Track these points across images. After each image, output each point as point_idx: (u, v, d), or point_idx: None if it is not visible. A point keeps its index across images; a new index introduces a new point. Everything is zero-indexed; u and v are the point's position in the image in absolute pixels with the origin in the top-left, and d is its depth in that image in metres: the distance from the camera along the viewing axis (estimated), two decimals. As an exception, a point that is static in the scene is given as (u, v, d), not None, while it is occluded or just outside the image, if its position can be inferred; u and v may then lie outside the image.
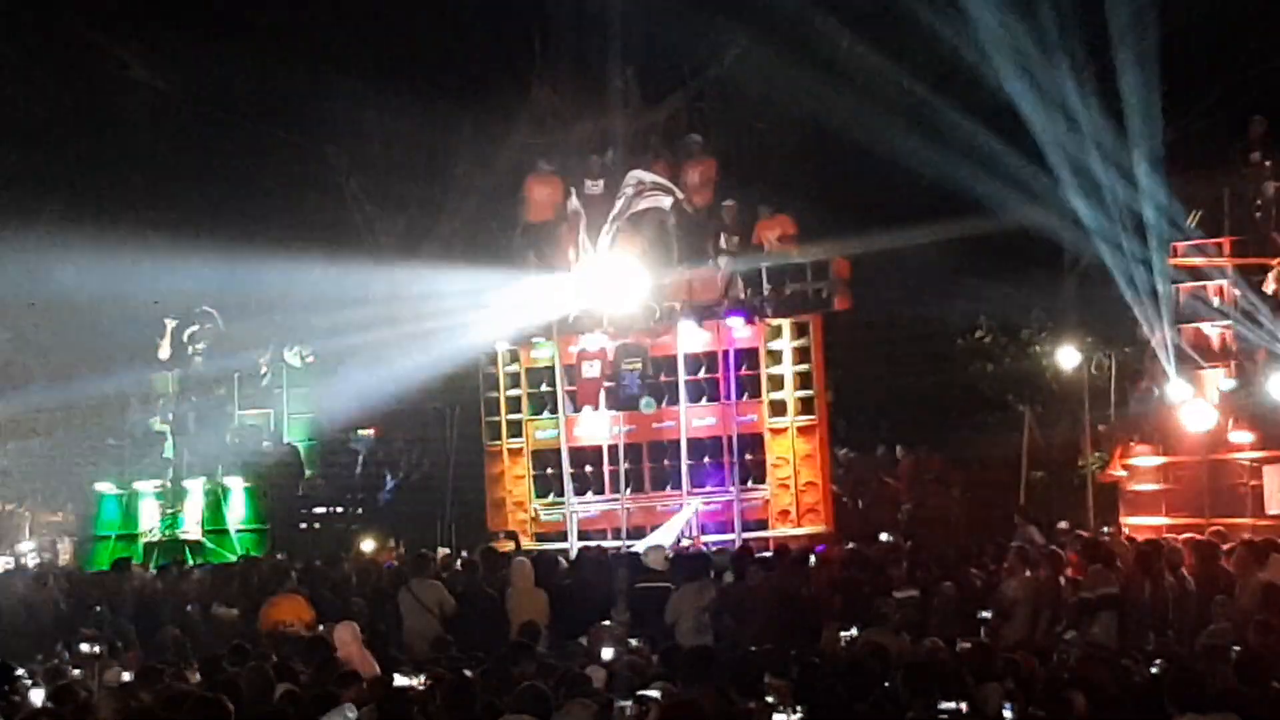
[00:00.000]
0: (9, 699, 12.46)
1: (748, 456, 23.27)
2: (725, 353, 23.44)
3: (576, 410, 24.16)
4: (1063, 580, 15.71)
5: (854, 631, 14.51)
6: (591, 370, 24.08)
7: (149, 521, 24.64)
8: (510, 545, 21.57)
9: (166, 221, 26.54)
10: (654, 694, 10.70)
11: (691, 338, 23.71)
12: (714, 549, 20.54)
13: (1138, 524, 20.67)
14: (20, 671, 13.72)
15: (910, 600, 15.58)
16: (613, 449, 23.88)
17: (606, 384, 23.95)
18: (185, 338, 25.62)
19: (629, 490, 23.65)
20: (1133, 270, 21.52)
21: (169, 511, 24.63)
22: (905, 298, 25.93)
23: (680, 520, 22.69)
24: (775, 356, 23.39)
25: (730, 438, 23.23)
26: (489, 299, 23.93)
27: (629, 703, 10.81)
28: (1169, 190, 21.77)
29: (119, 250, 25.29)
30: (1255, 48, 26.25)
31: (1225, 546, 16.29)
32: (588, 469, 24.08)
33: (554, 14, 28.68)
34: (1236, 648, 12.16)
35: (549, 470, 24.27)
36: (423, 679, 12.25)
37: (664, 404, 23.71)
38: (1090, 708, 10.17)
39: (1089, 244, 22.83)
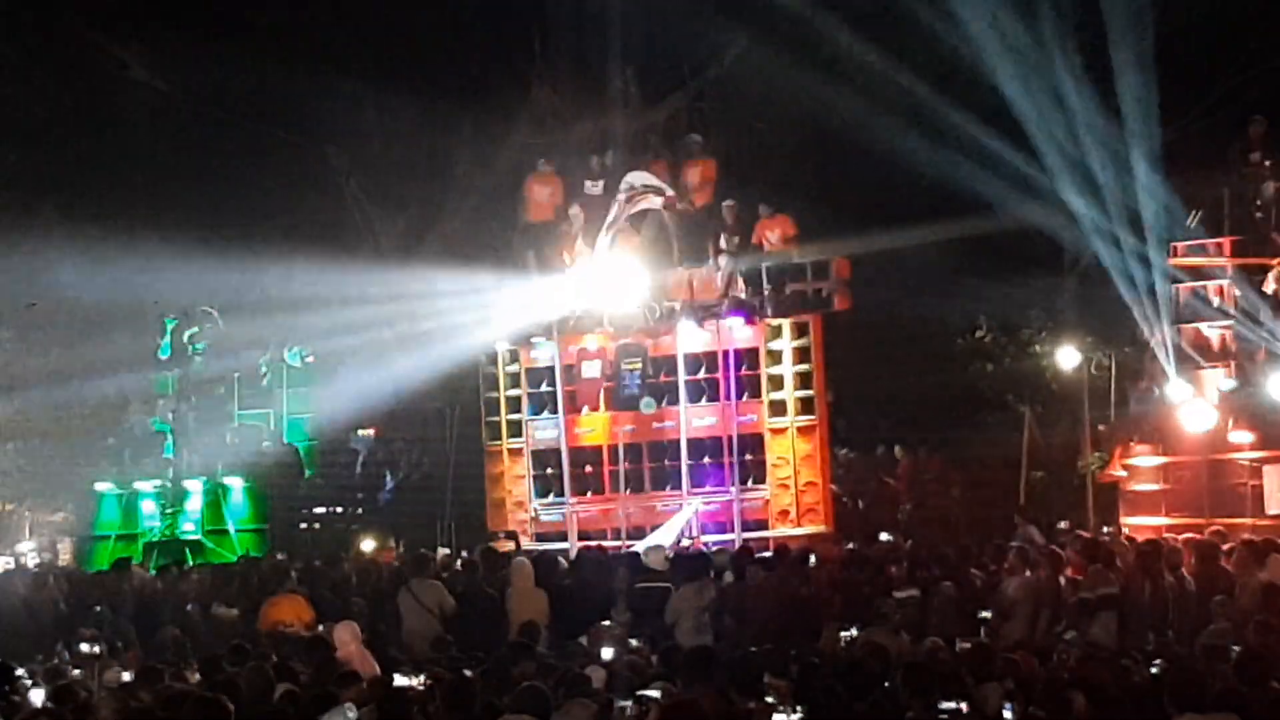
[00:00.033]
0: (9, 699, 12.46)
1: (748, 456, 23.26)
2: (725, 353, 23.42)
3: (576, 410, 24.16)
4: (1063, 580, 15.70)
5: (854, 631, 14.52)
6: (591, 370, 24.09)
7: (149, 521, 24.66)
8: (510, 545, 21.58)
9: (166, 221, 26.53)
10: (654, 694, 10.71)
11: (691, 338, 23.70)
12: (714, 549, 20.53)
13: (1138, 524, 20.67)
14: (20, 671, 13.73)
15: (910, 600, 15.58)
16: (613, 449, 23.89)
17: (606, 384, 23.96)
18: (185, 338, 25.63)
19: (629, 490, 23.65)
20: (1132, 270, 21.52)
21: (169, 511, 24.65)
22: (905, 298, 25.91)
23: (680, 520, 22.68)
24: (775, 356, 23.38)
25: (730, 438, 23.22)
26: (489, 299, 23.92)
27: (629, 703, 10.83)
28: (1169, 190, 21.78)
29: (119, 250, 25.31)
30: (1255, 48, 26.27)
31: (1225, 546, 16.30)
32: (588, 469, 24.08)
33: (554, 14, 28.69)
34: (1236, 648, 12.15)
35: (549, 470, 24.26)
36: (423, 679, 12.26)
37: (664, 404, 23.71)
38: (1090, 708, 10.17)
39: (1089, 244, 22.84)
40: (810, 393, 23.21)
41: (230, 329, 25.86)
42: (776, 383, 23.29)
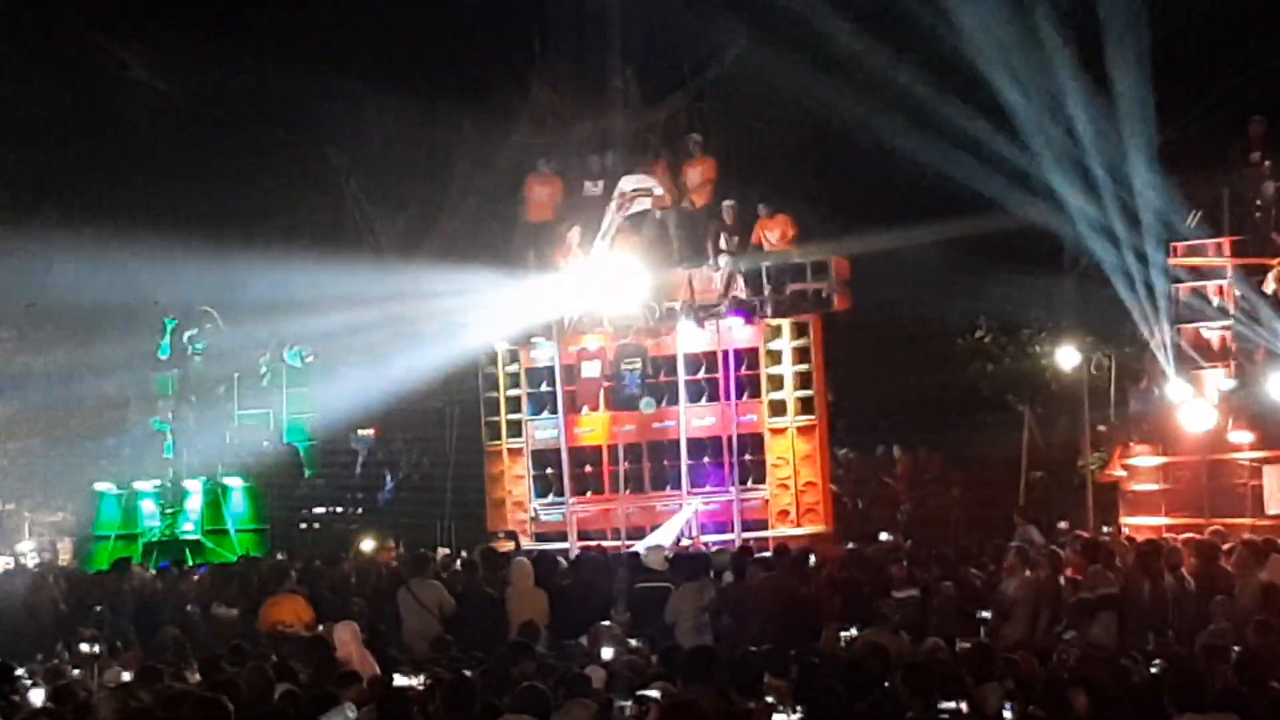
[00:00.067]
0: (9, 699, 12.47)
1: (747, 456, 23.27)
2: (725, 353, 23.43)
3: (576, 410, 24.16)
4: (1062, 580, 15.70)
5: (854, 631, 14.52)
6: (591, 370, 24.09)
7: (149, 521, 24.67)
8: (510, 545, 21.58)
9: (166, 221, 26.52)
10: (654, 694, 10.70)
11: (691, 338, 23.71)
12: (714, 549, 20.53)
13: (1138, 524, 20.68)
14: (20, 671, 13.74)
15: (910, 600, 15.58)
16: (612, 449, 23.89)
17: (606, 384, 23.96)
18: (185, 338, 25.63)
19: (629, 490, 23.66)
20: (1132, 270, 21.52)
21: (169, 511, 24.65)
22: (905, 298, 25.89)
23: (680, 520, 22.69)
24: (775, 356, 23.39)
25: (730, 438, 23.22)
26: (489, 299, 23.92)
27: (629, 703, 10.83)
28: (1169, 190, 21.77)
29: (119, 250, 25.31)
30: (1255, 48, 26.24)
31: (1225, 546, 16.29)
32: (587, 469, 24.09)
33: (554, 14, 28.67)
34: (1236, 648, 12.15)
35: (549, 470, 24.27)
36: (422, 679, 12.27)
37: (664, 404, 23.71)
38: (1090, 708, 10.17)
39: (1089, 244, 22.82)
40: (810, 393, 23.21)
41: (230, 329, 25.87)
42: (776, 383, 23.29)
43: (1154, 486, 21.17)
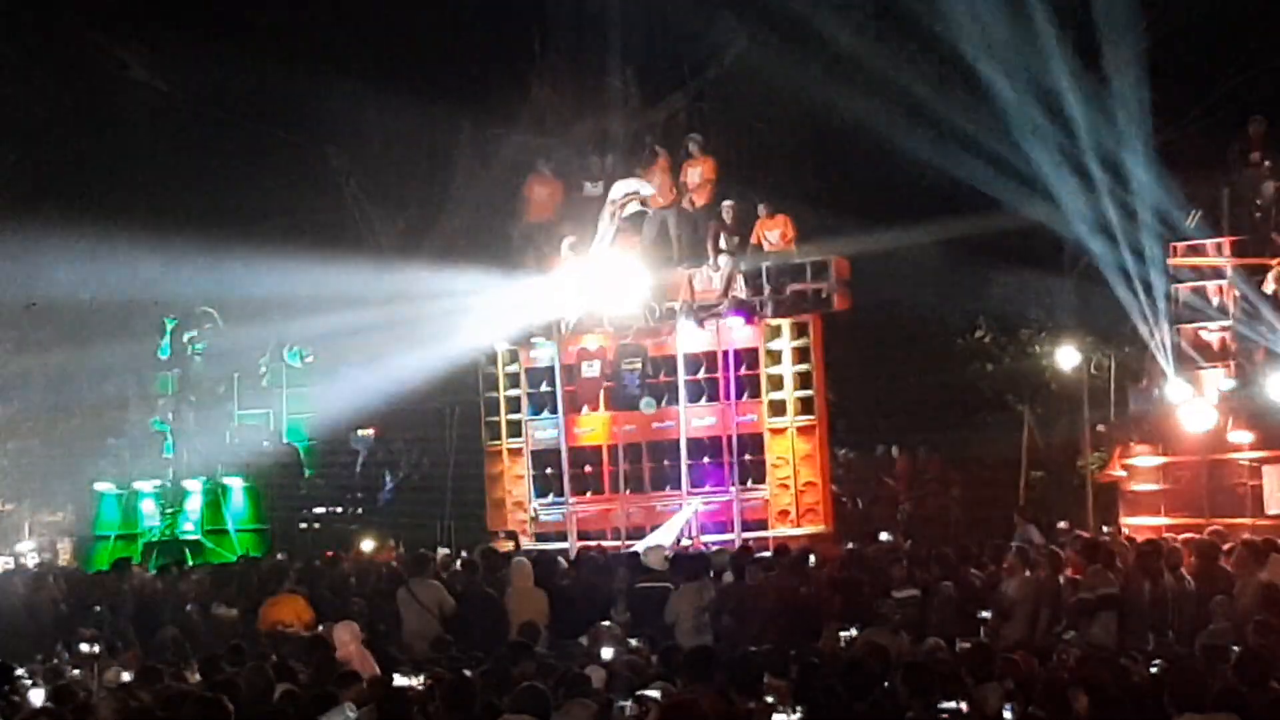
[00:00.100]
0: (9, 699, 12.47)
1: (747, 456, 23.26)
2: (725, 353, 23.41)
3: (576, 410, 24.17)
4: (1062, 580, 15.69)
5: (854, 631, 14.51)
6: (591, 370, 24.08)
7: (149, 521, 24.67)
8: (510, 545, 21.58)
9: (166, 221, 26.54)
10: (654, 694, 10.71)
11: (691, 338, 23.70)
12: (714, 549, 20.53)
13: (1137, 524, 20.66)
14: (20, 671, 13.74)
15: (910, 600, 15.56)
16: (612, 449, 23.89)
17: (606, 384, 23.96)
18: (185, 338, 25.63)
19: (629, 490, 23.66)
20: (1132, 270, 21.52)
21: (169, 511, 24.65)
22: (905, 298, 25.91)
23: (680, 520, 22.68)
24: (775, 356, 23.38)
25: (730, 438, 23.22)
26: (489, 299, 23.92)
27: (629, 703, 10.83)
28: (1169, 190, 21.77)
29: (119, 250, 25.32)
30: (1255, 48, 26.25)
31: (1225, 546, 16.28)
32: (587, 469, 24.09)
33: (554, 14, 28.69)
34: (1236, 648, 12.14)
35: (549, 470, 24.26)
36: (422, 679, 12.27)
37: (664, 404, 23.70)
38: (1090, 708, 10.17)
39: (1089, 244, 22.83)
40: (810, 393, 23.20)
41: (230, 329, 25.87)
42: (776, 383, 23.28)
43: (1154, 486, 21.16)
